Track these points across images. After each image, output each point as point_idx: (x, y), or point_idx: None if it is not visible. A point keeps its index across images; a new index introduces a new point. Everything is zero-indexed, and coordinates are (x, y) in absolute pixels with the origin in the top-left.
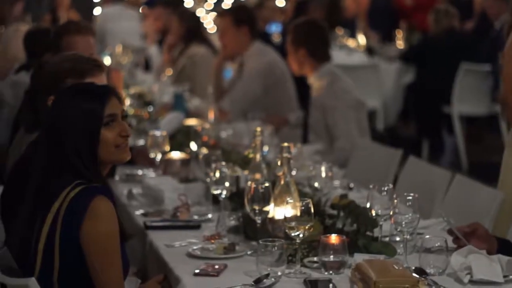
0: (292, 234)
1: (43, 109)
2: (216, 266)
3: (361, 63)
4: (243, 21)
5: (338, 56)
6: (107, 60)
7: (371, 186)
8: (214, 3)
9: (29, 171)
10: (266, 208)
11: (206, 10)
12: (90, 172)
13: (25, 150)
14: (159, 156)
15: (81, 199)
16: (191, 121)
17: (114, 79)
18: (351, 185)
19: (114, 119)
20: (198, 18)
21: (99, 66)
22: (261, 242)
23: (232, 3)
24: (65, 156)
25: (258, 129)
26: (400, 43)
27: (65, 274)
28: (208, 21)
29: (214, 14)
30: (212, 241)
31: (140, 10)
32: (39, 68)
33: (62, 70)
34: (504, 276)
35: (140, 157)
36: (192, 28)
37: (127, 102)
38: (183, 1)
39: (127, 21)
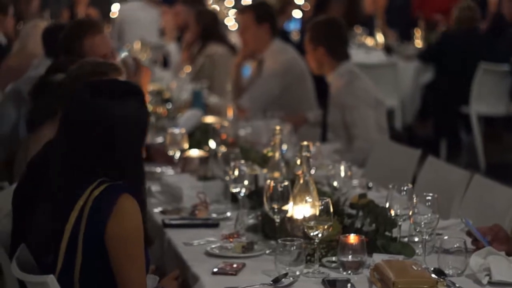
0: (311, 234)
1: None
2: (235, 265)
3: (379, 62)
4: (264, 18)
5: (356, 54)
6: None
7: (390, 186)
8: (235, 0)
9: (48, 170)
10: (285, 207)
11: (227, 7)
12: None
13: (41, 148)
14: (177, 154)
15: (107, 197)
16: (210, 119)
17: (144, 76)
18: (370, 184)
19: None
20: (215, 16)
21: (117, 69)
22: (279, 241)
23: (253, 0)
24: (95, 156)
25: (277, 127)
26: (418, 42)
27: (86, 273)
28: (229, 18)
29: (235, 11)
30: (231, 239)
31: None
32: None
33: (83, 73)
34: None
35: (158, 155)
36: (208, 27)
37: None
38: None
39: (145, 17)
